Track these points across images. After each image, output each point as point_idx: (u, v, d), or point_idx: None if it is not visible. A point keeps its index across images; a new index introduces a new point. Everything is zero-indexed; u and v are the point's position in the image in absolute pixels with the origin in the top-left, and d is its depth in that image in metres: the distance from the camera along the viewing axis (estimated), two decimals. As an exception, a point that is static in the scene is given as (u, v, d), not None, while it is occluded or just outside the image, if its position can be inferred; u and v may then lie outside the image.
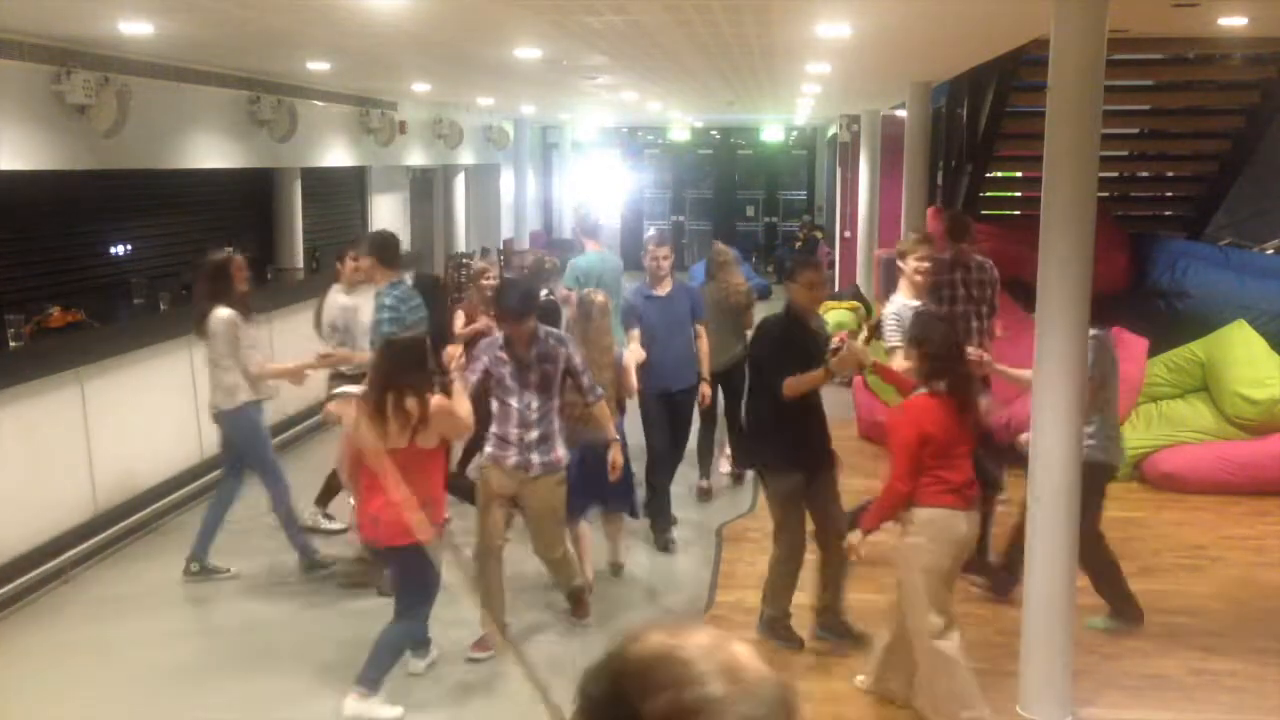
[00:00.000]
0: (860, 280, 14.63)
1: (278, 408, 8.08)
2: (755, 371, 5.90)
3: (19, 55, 6.57)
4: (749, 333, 7.29)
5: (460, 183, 17.47)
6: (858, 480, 7.32)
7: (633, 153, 24.86)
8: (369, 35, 7.05)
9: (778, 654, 5.69)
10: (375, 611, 5.61)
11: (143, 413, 7.72)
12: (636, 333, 7.13)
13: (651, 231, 7.91)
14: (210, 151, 9.06)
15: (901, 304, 6.26)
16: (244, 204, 10.71)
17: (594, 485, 6.15)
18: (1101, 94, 4.67)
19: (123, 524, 7.29)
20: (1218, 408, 8.56)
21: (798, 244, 21.51)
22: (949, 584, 4.89)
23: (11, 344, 6.72)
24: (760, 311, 7.46)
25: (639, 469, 7.23)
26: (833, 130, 20.07)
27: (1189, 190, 11.46)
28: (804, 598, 5.86)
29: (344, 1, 5.74)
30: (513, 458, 5.53)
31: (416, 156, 14.36)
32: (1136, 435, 8.49)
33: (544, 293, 7.04)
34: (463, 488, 6.92)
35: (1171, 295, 9.61)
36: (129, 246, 8.79)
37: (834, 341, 5.72)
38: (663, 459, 7.39)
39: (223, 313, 6.47)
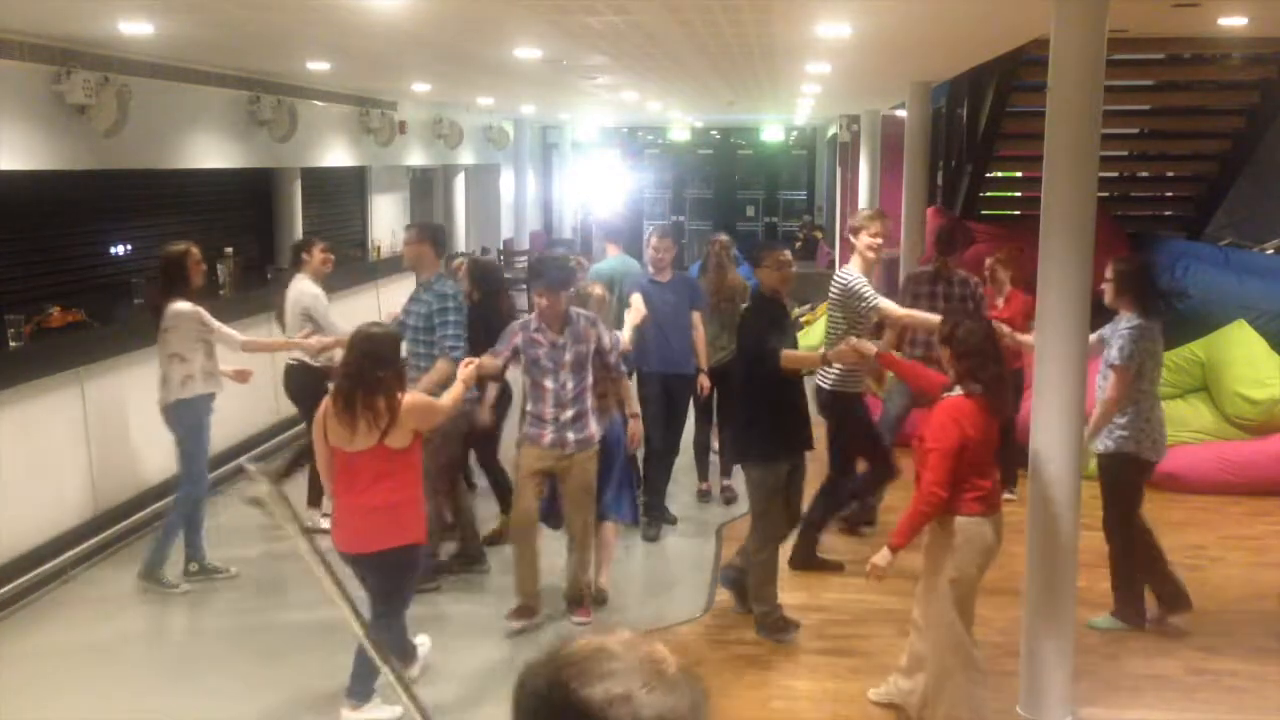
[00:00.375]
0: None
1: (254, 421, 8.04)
2: (746, 360, 5.96)
3: (19, 55, 6.57)
4: None
5: (460, 183, 17.46)
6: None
7: (633, 153, 24.86)
8: (369, 35, 7.06)
9: (777, 648, 5.71)
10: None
11: (143, 413, 7.68)
12: (638, 297, 7.09)
13: (652, 230, 7.99)
14: (210, 151, 9.06)
15: (855, 276, 6.39)
16: (244, 204, 10.71)
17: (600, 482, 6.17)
18: (1101, 94, 4.67)
19: (123, 524, 7.29)
20: (1218, 408, 8.56)
21: (798, 244, 21.53)
22: (975, 593, 4.79)
23: (11, 344, 6.72)
24: None
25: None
26: (833, 130, 20.07)
27: (1189, 190, 11.46)
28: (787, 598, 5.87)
29: (344, 1, 5.74)
30: (549, 436, 5.70)
31: (416, 156, 14.36)
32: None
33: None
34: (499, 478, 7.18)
35: (1171, 295, 9.60)
36: (129, 246, 8.79)
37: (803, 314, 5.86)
38: (658, 450, 7.45)
39: (183, 306, 6.39)
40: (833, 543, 7.16)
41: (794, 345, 5.89)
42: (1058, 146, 4.67)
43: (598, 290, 6.64)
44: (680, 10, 6.19)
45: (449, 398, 5.18)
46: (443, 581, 6.55)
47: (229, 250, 9.43)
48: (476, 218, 18.38)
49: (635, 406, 6.22)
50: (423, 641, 5.49)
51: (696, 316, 7.56)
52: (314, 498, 7.30)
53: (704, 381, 7.54)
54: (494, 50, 8.11)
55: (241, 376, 6.88)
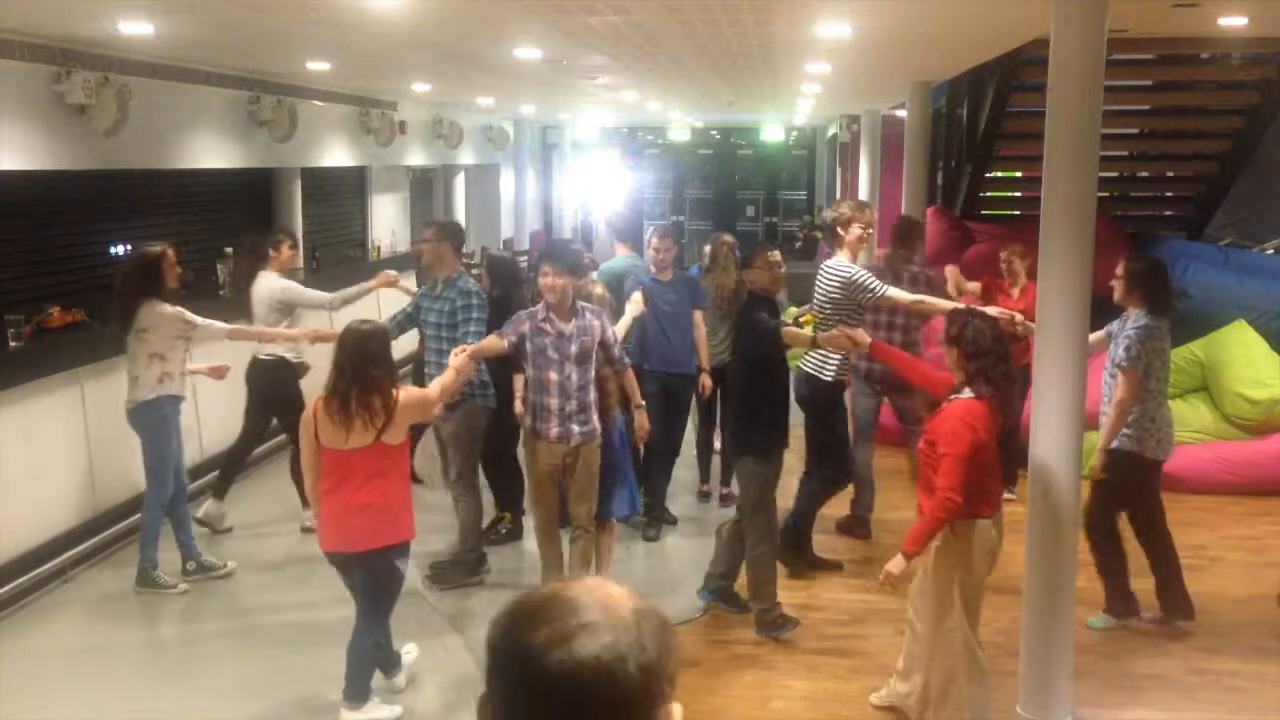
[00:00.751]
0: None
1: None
2: (743, 358, 6.01)
3: (19, 55, 6.57)
4: None
5: (460, 183, 17.47)
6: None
7: (633, 153, 24.85)
8: (369, 35, 7.06)
9: (778, 648, 5.71)
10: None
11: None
12: (639, 295, 7.06)
13: (653, 230, 8.02)
14: (210, 151, 9.06)
15: (854, 268, 6.42)
16: (244, 204, 10.71)
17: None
18: (1101, 94, 4.67)
19: (123, 524, 7.28)
20: (1218, 408, 8.56)
21: (798, 244, 21.52)
22: (982, 594, 4.78)
23: (11, 344, 6.72)
24: None
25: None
26: (833, 130, 20.07)
27: (1189, 190, 11.47)
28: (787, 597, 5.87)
29: (344, 1, 5.74)
30: (554, 428, 5.71)
31: (416, 156, 14.36)
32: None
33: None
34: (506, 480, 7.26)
35: (1171, 295, 9.60)
36: (129, 246, 8.77)
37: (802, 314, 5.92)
38: (657, 450, 7.42)
39: (162, 307, 6.35)
40: (832, 543, 7.17)
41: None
42: (1058, 146, 4.67)
43: (598, 290, 6.64)
44: (680, 10, 6.18)
45: (437, 386, 5.19)
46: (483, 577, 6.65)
47: (229, 250, 9.42)
48: (476, 218, 18.39)
49: (639, 399, 6.22)
50: (409, 650, 5.47)
51: (698, 316, 7.56)
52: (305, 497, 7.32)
53: (705, 381, 7.55)
54: (494, 50, 8.11)
55: (217, 372, 6.86)
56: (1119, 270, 5.87)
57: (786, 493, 6.64)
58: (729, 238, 8.23)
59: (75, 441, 7.06)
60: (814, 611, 6.18)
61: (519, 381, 6.29)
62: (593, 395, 5.80)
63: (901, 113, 11.81)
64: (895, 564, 4.60)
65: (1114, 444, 5.78)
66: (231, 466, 7.65)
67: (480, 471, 6.98)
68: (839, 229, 6.63)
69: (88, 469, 7.15)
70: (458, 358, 5.32)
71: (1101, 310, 5.27)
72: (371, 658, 5.09)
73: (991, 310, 6.08)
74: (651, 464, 7.52)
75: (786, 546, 6.45)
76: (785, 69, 9.73)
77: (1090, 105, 4.62)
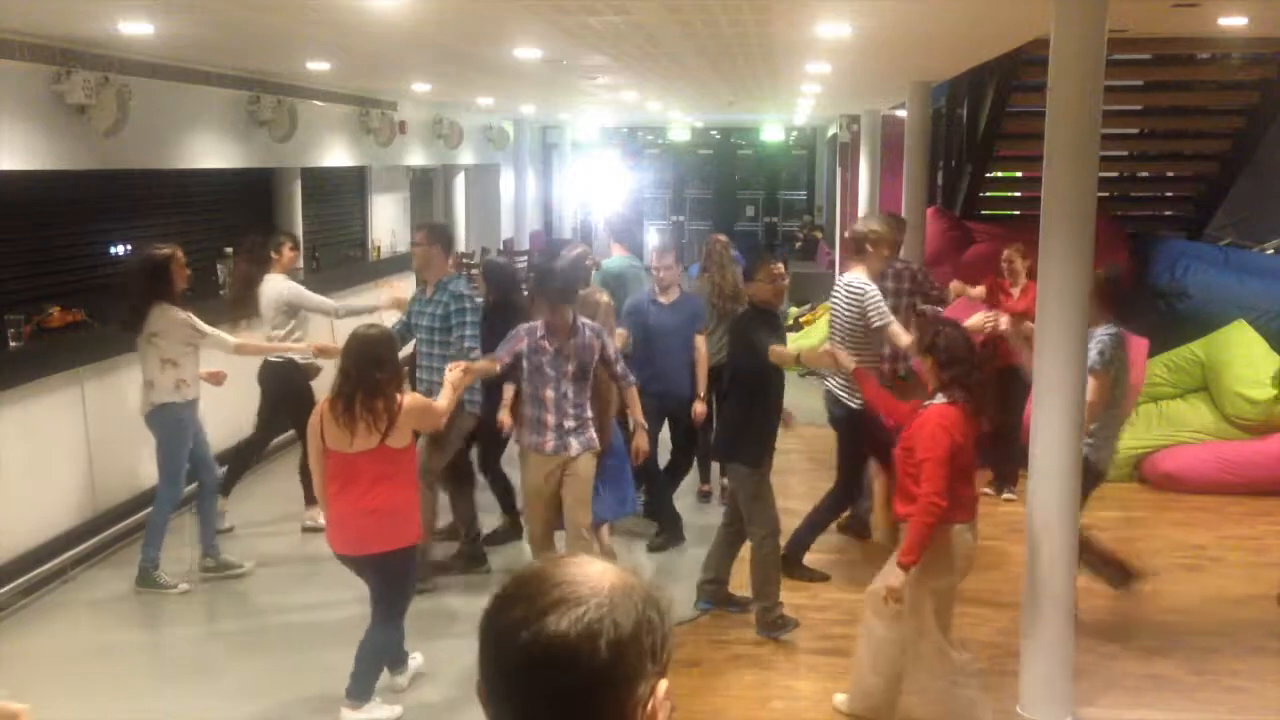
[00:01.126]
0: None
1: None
2: (737, 367, 5.98)
3: (19, 55, 6.56)
4: None
5: (460, 183, 17.46)
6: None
7: (633, 153, 24.85)
8: (369, 35, 7.05)
9: (778, 649, 5.71)
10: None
11: (143, 413, 7.71)
12: (623, 333, 7.07)
13: (656, 240, 8.00)
14: (210, 151, 9.06)
15: (870, 291, 6.42)
16: (244, 204, 10.70)
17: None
18: (1101, 94, 4.67)
19: (123, 524, 7.28)
20: (1218, 408, 8.56)
21: (798, 244, 21.53)
22: (954, 601, 4.82)
23: (11, 344, 6.72)
24: None
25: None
26: (833, 130, 20.06)
27: (1189, 190, 11.47)
28: (801, 597, 5.87)
29: (344, 1, 5.74)
30: (551, 442, 5.69)
31: (416, 156, 14.36)
32: (1136, 435, 8.49)
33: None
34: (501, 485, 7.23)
35: (1171, 295, 9.61)
36: (129, 246, 8.77)
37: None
38: (651, 473, 7.26)
39: (173, 311, 6.37)
40: (829, 539, 7.16)
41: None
42: (1058, 146, 4.67)
43: (604, 299, 6.61)
44: (680, 10, 6.18)
45: (444, 400, 5.18)
46: (438, 582, 6.53)
47: (229, 250, 9.42)
48: (476, 218, 18.38)
49: (640, 417, 6.11)
50: (415, 657, 5.47)
51: (699, 340, 7.37)
52: (310, 496, 7.32)
53: (699, 408, 7.30)
54: (494, 50, 8.11)
55: (215, 378, 6.85)
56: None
57: (786, 493, 6.64)
58: (723, 237, 8.27)
59: (75, 441, 7.06)
60: (814, 612, 6.18)
61: (508, 391, 6.25)
62: (589, 412, 5.76)
63: (901, 113, 11.81)
64: (895, 578, 4.61)
65: None
66: (239, 465, 7.67)
67: (480, 476, 7.03)
68: (868, 245, 6.54)
69: (88, 469, 7.15)
70: (453, 373, 5.29)
71: (1123, 309, 5.29)
72: (381, 659, 5.11)
73: (975, 319, 6.14)
74: (652, 486, 7.38)
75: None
76: (785, 69, 9.73)
77: (1090, 105, 4.62)
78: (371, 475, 4.78)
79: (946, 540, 4.61)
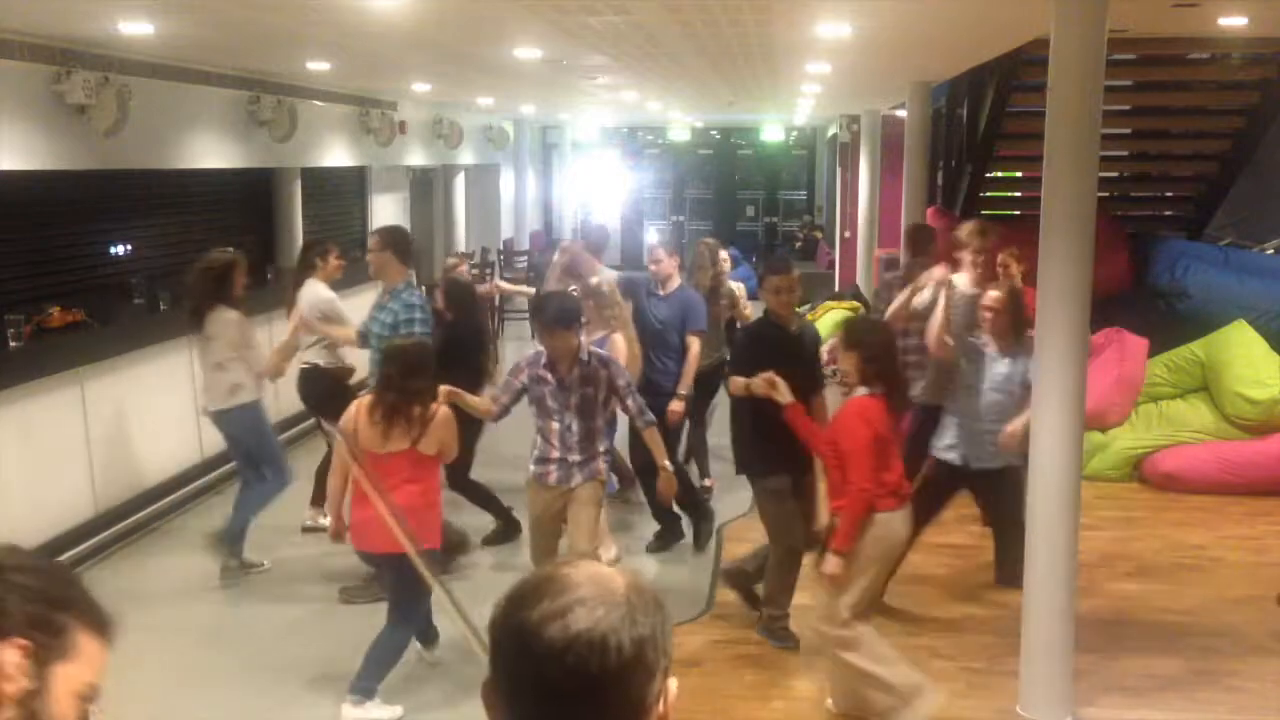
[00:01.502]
0: (860, 280, 14.62)
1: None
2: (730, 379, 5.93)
3: (19, 55, 6.57)
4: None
5: (460, 183, 17.47)
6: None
7: (633, 153, 24.85)
8: (369, 35, 7.06)
9: (775, 652, 5.70)
10: (383, 612, 5.56)
11: (143, 413, 7.71)
12: (617, 337, 7.00)
13: (655, 239, 8.02)
14: (210, 151, 9.06)
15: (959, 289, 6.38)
16: (244, 204, 10.71)
17: None
18: (1101, 94, 4.68)
19: (123, 524, 7.29)
20: (1218, 408, 8.56)
21: (798, 244, 21.53)
22: (881, 586, 5.00)
23: (11, 344, 6.71)
24: (756, 312, 7.44)
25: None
26: (833, 130, 20.06)
27: (1189, 190, 11.46)
28: (804, 597, 5.85)
29: (344, 1, 5.74)
30: (554, 474, 5.44)
31: (416, 156, 14.36)
32: (1136, 435, 8.50)
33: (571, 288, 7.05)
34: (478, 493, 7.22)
35: (1171, 295, 9.61)
36: (129, 246, 8.79)
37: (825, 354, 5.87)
38: (643, 471, 7.08)
39: (228, 314, 6.50)
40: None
41: (781, 367, 5.35)
42: (1058, 146, 4.67)
43: (624, 309, 6.65)
44: (680, 10, 6.18)
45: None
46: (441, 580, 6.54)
47: (233, 250, 9.41)
48: (476, 218, 18.39)
49: (664, 460, 5.69)
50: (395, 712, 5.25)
51: (693, 339, 7.20)
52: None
53: (675, 407, 7.09)
54: (494, 50, 8.12)
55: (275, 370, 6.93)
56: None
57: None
58: (710, 240, 8.38)
59: (75, 441, 7.06)
60: (814, 612, 6.16)
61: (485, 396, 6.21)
62: (599, 446, 5.48)
63: (901, 113, 11.81)
64: (833, 564, 4.75)
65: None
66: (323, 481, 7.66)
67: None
68: (958, 253, 6.56)
69: (88, 469, 7.15)
70: (441, 394, 5.25)
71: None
72: (389, 660, 5.13)
73: (925, 294, 6.17)
74: (645, 485, 7.18)
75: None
76: (785, 69, 9.74)
77: (1090, 105, 4.62)
78: (400, 477, 4.97)
79: (873, 527, 4.74)
